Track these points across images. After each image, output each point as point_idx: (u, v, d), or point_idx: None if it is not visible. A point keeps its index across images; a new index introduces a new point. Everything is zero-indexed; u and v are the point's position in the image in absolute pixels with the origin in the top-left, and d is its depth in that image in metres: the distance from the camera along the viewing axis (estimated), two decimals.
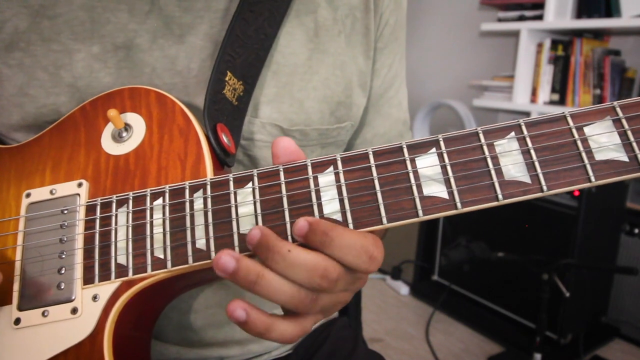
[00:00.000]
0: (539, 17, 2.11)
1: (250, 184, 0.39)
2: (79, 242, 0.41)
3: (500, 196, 0.35)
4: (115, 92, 0.46)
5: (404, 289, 2.33)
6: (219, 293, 0.55)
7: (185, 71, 0.49)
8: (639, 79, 2.05)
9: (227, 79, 0.47)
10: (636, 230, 1.87)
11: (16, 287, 0.41)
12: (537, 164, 0.35)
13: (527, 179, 0.35)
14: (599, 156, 0.35)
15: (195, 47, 0.49)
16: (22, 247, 0.42)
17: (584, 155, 0.35)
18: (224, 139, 0.44)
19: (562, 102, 2.13)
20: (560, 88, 2.13)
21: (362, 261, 0.36)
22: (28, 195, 0.43)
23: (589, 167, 0.35)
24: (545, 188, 0.35)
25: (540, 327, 1.54)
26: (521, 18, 2.20)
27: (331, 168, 0.38)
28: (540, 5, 2.09)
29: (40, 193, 0.43)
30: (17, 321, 0.40)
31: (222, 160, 0.44)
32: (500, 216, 1.91)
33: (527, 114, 2.21)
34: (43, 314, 0.40)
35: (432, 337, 1.97)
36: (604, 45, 2.13)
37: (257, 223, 0.38)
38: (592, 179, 0.35)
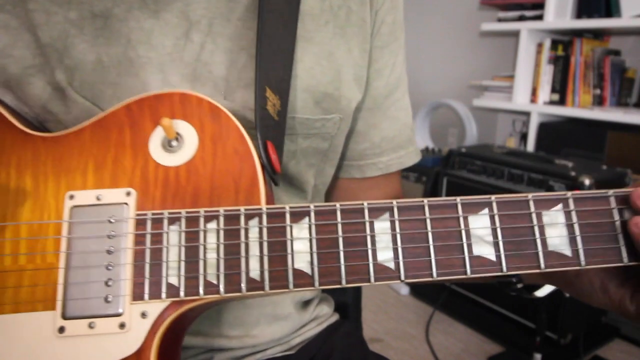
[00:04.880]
0: (539, 17, 2.11)
1: (306, 220, 0.40)
2: (129, 257, 0.40)
3: (542, 265, 0.38)
4: (164, 95, 0.44)
5: (404, 289, 2.33)
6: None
7: (159, 47, 0.48)
8: (639, 79, 2.05)
9: (267, 94, 0.47)
10: None
11: (60, 294, 0.40)
12: (578, 239, 0.38)
13: (568, 252, 0.38)
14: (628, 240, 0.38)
15: (170, 23, 0.48)
16: (66, 254, 0.41)
17: (620, 237, 0.38)
18: (273, 158, 0.44)
19: (562, 102, 2.13)
20: (560, 88, 2.13)
21: None
22: (72, 197, 0.42)
23: (623, 249, 0.38)
24: (583, 263, 0.38)
25: (540, 327, 1.54)
26: (521, 18, 2.20)
27: (387, 215, 0.39)
28: (540, 5, 2.09)
29: (85, 197, 0.42)
30: (62, 330, 0.40)
31: (271, 179, 0.44)
32: None
33: (527, 114, 2.21)
34: (90, 325, 0.40)
35: (432, 337, 1.97)
36: (604, 45, 2.13)
37: (312, 261, 0.39)
38: (625, 260, 0.38)
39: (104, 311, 0.40)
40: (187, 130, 0.43)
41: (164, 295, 0.39)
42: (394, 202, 0.39)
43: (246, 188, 0.42)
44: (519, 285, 0.48)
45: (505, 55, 2.47)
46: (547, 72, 2.15)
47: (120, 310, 0.40)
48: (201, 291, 0.39)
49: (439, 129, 2.75)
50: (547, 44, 2.13)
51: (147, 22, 0.48)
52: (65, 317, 0.40)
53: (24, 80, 0.47)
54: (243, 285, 0.39)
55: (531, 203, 0.39)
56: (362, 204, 0.39)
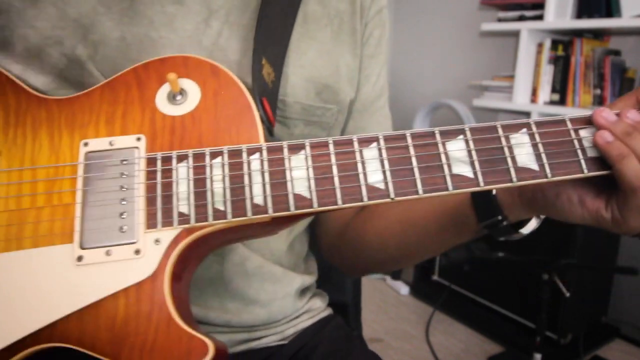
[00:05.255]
0: (539, 17, 2.11)
1: (303, 152, 0.44)
2: (141, 190, 0.43)
3: (514, 178, 0.43)
4: (168, 59, 0.48)
5: (404, 289, 2.33)
6: (214, 267, 0.57)
7: (180, 30, 0.52)
8: (639, 79, 2.05)
9: (263, 62, 0.51)
10: None
11: (77, 227, 0.43)
12: (543, 156, 0.43)
13: (536, 167, 0.43)
14: (590, 153, 0.43)
15: (192, 10, 0.53)
16: (82, 191, 0.44)
17: (579, 152, 0.43)
18: (269, 111, 0.48)
19: (562, 102, 2.12)
20: (561, 88, 2.12)
21: None
22: (86, 144, 0.45)
23: (582, 161, 0.43)
24: (549, 175, 0.43)
25: (540, 327, 1.54)
26: (521, 18, 2.20)
27: (375, 144, 0.44)
28: (541, 5, 2.09)
29: (98, 143, 0.45)
30: (80, 258, 0.42)
31: (268, 130, 0.48)
32: None
33: (528, 114, 2.21)
34: (107, 253, 0.42)
35: (432, 337, 1.97)
36: (604, 45, 2.13)
37: (309, 186, 0.43)
38: (585, 171, 0.43)
39: (120, 240, 0.43)
40: (190, 86, 0.47)
41: (175, 222, 0.42)
42: (380, 134, 0.44)
43: (246, 130, 0.46)
44: (505, 223, 0.51)
45: (505, 55, 2.46)
46: (547, 72, 2.15)
47: (135, 238, 0.42)
48: (210, 217, 0.42)
49: None
50: (547, 44, 2.13)
51: (170, 7, 0.52)
52: (83, 247, 0.43)
53: (42, 52, 0.50)
54: (249, 210, 0.42)
55: (499, 128, 0.44)
56: (352, 137, 0.44)
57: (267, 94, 0.51)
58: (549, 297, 1.53)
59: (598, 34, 2.11)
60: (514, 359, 1.81)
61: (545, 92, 2.17)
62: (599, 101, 2.08)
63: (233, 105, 0.47)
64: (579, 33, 2.08)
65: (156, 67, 0.48)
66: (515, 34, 2.23)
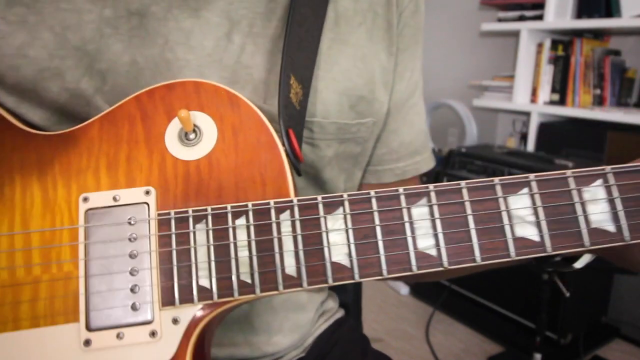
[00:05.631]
0: (539, 17, 2.11)
1: (340, 209, 0.37)
2: (154, 261, 0.38)
3: (586, 243, 0.37)
4: (176, 85, 0.41)
5: (404, 289, 2.33)
6: (242, 307, 0.54)
7: (198, 48, 0.46)
8: (639, 79, 2.05)
9: (291, 82, 0.45)
10: None
11: (82, 305, 0.37)
12: (621, 214, 0.37)
13: (612, 228, 0.37)
14: None
15: (211, 23, 0.46)
16: (86, 262, 0.38)
17: None
18: (296, 145, 0.42)
19: (562, 102, 2.13)
20: (561, 88, 2.13)
21: None
22: (86, 200, 0.39)
23: None
24: (627, 238, 0.37)
25: (540, 327, 1.54)
26: (521, 18, 2.20)
27: (424, 200, 0.37)
28: (540, 5, 2.09)
29: (100, 198, 0.39)
30: (88, 342, 0.37)
31: (296, 169, 0.42)
32: None
33: (527, 114, 2.21)
34: (118, 335, 0.37)
35: (432, 337, 1.97)
36: (604, 45, 2.13)
37: (349, 252, 0.37)
38: None
39: (133, 319, 0.37)
40: (205, 122, 0.40)
41: (195, 299, 0.37)
42: (431, 186, 0.38)
43: (273, 179, 0.40)
44: (557, 259, 0.46)
45: (505, 55, 2.47)
46: (547, 72, 2.15)
47: (150, 318, 0.37)
48: (236, 292, 0.37)
49: (439, 129, 2.76)
50: (547, 44, 2.13)
51: (186, 22, 0.45)
52: (90, 328, 0.37)
53: (37, 85, 0.43)
54: (280, 283, 0.37)
55: (570, 180, 0.37)
56: (398, 190, 0.38)
57: (294, 121, 0.45)
58: (549, 297, 1.53)
59: (598, 34, 2.12)
60: (514, 359, 1.81)
61: (545, 92, 2.17)
62: (599, 101, 2.08)
63: (256, 145, 0.40)
64: (579, 33, 2.08)
65: (163, 96, 0.41)
66: (515, 34, 2.23)
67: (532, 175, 0.37)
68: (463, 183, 0.37)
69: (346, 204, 0.38)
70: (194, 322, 0.37)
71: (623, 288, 1.97)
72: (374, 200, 0.37)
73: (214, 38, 0.46)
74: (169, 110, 0.41)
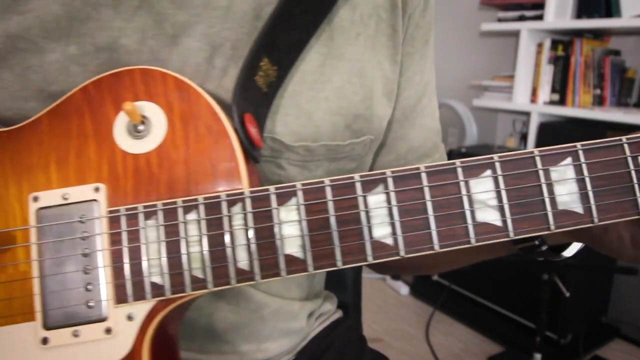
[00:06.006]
0: (539, 17, 2.11)
1: (294, 200, 0.36)
2: (107, 259, 0.37)
3: (552, 226, 0.35)
4: (123, 72, 0.40)
5: (404, 289, 2.33)
6: (229, 318, 0.53)
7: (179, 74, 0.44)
8: (639, 79, 2.05)
9: (262, 64, 0.43)
10: None
11: (38, 305, 0.37)
12: (590, 195, 0.35)
13: (580, 210, 0.35)
14: None
15: (190, 48, 0.43)
16: (39, 262, 0.38)
17: (636, 187, 0.35)
18: (252, 132, 0.40)
19: (562, 102, 2.13)
20: (561, 88, 2.13)
21: None
22: (36, 199, 0.38)
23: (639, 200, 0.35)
24: (596, 220, 0.35)
25: (540, 327, 1.54)
26: (521, 18, 2.20)
27: (381, 187, 0.36)
28: (540, 5, 2.09)
29: (50, 197, 0.38)
30: (45, 341, 0.37)
31: (251, 156, 0.40)
32: None
33: (527, 114, 2.21)
34: (74, 333, 0.37)
35: (432, 337, 1.97)
36: (604, 45, 2.13)
37: (303, 244, 0.36)
38: None
39: (88, 317, 0.37)
40: (154, 112, 0.39)
41: (148, 295, 0.37)
42: (388, 172, 0.36)
43: (225, 170, 0.38)
44: (543, 248, 0.44)
45: (505, 55, 2.47)
46: (547, 72, 2.15)
47: (105, 315, 0.37)
48: (188, 288, 0.37)
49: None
50: (547, 44, 2.13)
51: (162, 52, 0.43)
52: (47, 327, 0.37)
53: (2, 121, 0.42)
54: (232, 278, 0.36)
55: (537, 159, 0.36)
56: (353, 177, 0.36)
57: (256, 104, 0.42)
58: (549, 297, 1.53)
59: (598, 34, 2.12)
60: (514, 359, 1.82)
61: (545, 92, 2.17)
62: (599, 101, 2.08)
63: (207, 135, 0.39)
64: (579, 33, 2.08)
65: (110, 86, 0.39)
66: (515, 34, 2.23)
67: (496, 156, 0.36)
68: (422, 167, 0.36)
69: (300, 194, 0.36)
70: (148, 318, 0.37)
71: (623, 288, 1.97)
72: (328, 189, 0.36)
73: (193, 64, 0.44)
74: (117, 101, 0.39)
